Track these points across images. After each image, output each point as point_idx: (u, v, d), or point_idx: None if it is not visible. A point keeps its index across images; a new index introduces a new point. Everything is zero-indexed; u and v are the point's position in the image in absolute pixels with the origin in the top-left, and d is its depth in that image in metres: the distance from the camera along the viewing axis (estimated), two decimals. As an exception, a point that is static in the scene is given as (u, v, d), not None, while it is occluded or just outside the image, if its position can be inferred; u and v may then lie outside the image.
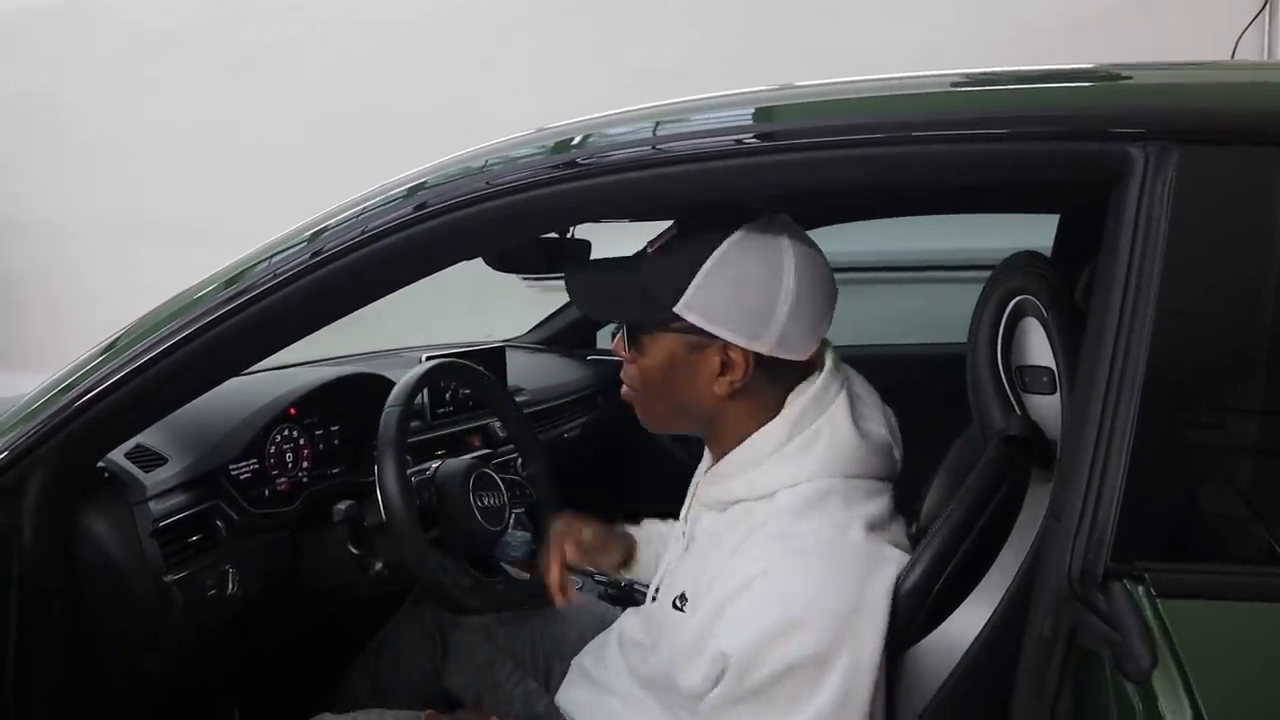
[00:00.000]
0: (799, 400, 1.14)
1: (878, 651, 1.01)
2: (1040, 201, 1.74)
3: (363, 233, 1.10)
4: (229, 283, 1.16)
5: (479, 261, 1.71)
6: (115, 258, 4.05)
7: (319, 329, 1.22)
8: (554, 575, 1.39)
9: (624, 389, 1.22)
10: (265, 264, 1.15)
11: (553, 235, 1.80)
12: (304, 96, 3.88)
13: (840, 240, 2.85)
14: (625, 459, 2.61)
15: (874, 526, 1.10)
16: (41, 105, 4.36)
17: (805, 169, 0.97)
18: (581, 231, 1.81)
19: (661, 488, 2.52)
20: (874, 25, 3.00)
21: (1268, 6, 2.15)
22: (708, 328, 1.11)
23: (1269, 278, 0.83)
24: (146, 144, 4.10)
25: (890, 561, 1.07)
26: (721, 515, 1.16)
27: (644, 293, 1.13)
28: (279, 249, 1.16)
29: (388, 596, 1.67)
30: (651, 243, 1.18)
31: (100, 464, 1.34)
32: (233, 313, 1.14)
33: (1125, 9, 2.62)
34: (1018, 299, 1.12)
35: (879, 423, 1.19)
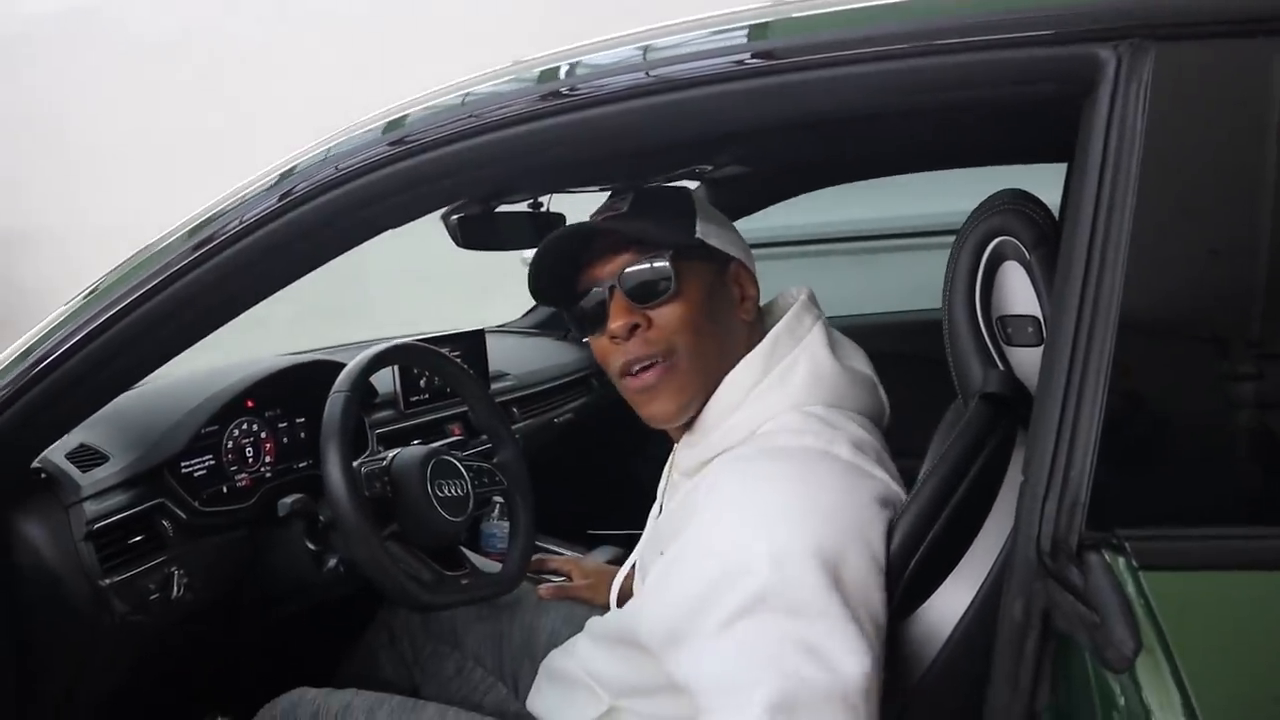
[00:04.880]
0: (772, 332, 1.09)
1: (865, 579, 0.90)
2: (1048, 148, 1.61)
3: (335, 171, 0.99)
4: (193, 231, 1.06)
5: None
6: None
7: (292, 280, 1.11)
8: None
9: (646, 376, 1.07)
10: (231, 210, 1.05)
11: (525, 210, 1.71)
12: (306, 93, 3.83)
13: (845, 207, 2.76)
14: (623, 441, 2.51)
15: (864, 451, 1.00)
16: (45, 118, 4.36)
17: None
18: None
19: (659, 470, 2.43)
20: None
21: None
22: (725, 249, 1.12)
23: (1263, 195, 0.70)
24: (145, 151, 4.08)
25: (882, 484, 0.98)
26: (695, 479, 1.08)
27: (663, 228, 1.09)
28: (245, 194, 1.06)
29: (365, 596, 1.58)
30: (610, 208, 1.14)
31: (36, 464, 1.27)
32: (198, 262, 1.04)
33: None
34: (997, 240, 1.00)
35: (862, 362, 1.14)
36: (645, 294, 1.07)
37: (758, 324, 1.14)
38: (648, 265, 1.07)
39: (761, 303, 1.19)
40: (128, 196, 4.15)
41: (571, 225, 1.13)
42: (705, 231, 1.11)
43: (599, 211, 1.16)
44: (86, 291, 1.16)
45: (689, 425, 1.10)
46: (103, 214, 4.21)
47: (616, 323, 1.06)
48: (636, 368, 1.08)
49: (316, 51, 3.81)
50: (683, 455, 1.12)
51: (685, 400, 1.07)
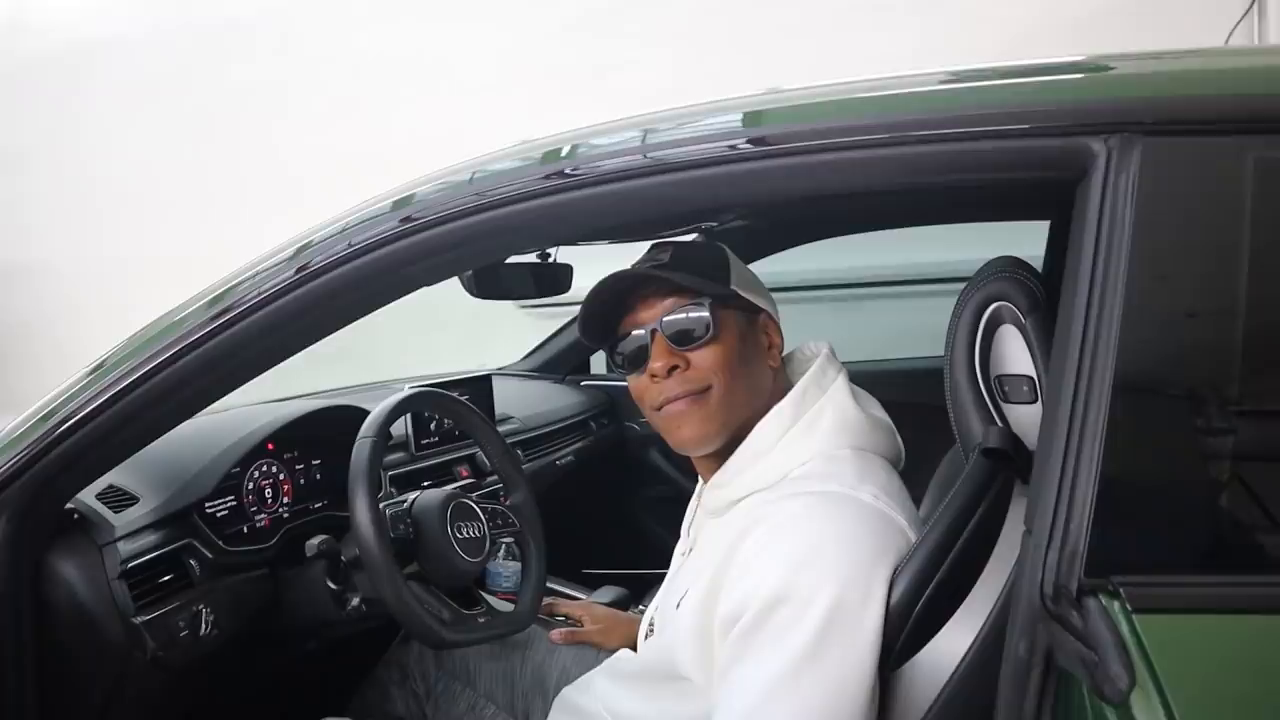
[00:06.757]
0: (800, 383, 1.17)
1: (876, 623, 0.98)
2: (1031, 207, 1.71)
3: (349, 246, 1.06)
4: (213, 302, 1.13)
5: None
6: (115, 302, 4.07)
7: (308, 345, 1.19)
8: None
9: (677, 405, 1.15)
10: (249, 282, 1.12)
11: (534, 260, 1.79)
12: (301, 134, 3.89)
13: (842, 255, 2.84)
14: (621, 483, 2.58)
15: (888, 494, 1.08)
16: (44, 152, 4.39)
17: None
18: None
19: (658, 510, 2.50)
20: (865, 38, 2.98)
21: (1256, 4, 2.12)
22: (756, 301, 1.21)
23: (1239, 272, 0.78)
24: (144, 188, 4.12)
25: (899, 532, 1.05)
26: (725, 518, 1.15)
27: (703, 278, 1.17)
28: (262, 267, 1.13)
29: (376, 632, 1.63)
30: (653, 258, 1.21)
31: (70, 505, 1.31)
32: (217, 331, 1.11)
33: (1113, 12, 2.59)
34: (995, 305, 1.08)
35: (879, 410, 1.22)
36: (685, 338, 1.15)
37: (781, 372, 1.22)
38: (689, 311, 1.15)
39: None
40: (125, 232, 4.19)
41: (618, 273, 1.20)
42: (738, 283, 1.20)
43: (642, 260, 1.23)
44: (95, 364, 1.22)
45: (718, 464, 1.17)
46: (100, 249, 4.25)
47: (657, 363, 1.14)
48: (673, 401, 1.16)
49: (318, 93, 3.87)
50: (710, 496, 1.20)
51: (712, 430, 1.15)
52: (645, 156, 0.99)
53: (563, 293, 1.81)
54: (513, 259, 1.71)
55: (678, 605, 1.13)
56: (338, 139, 3.78)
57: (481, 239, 1.05)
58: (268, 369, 1.20)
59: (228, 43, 4.07)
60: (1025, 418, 1.04)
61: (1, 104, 4.47)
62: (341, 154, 3.74)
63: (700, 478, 1.25)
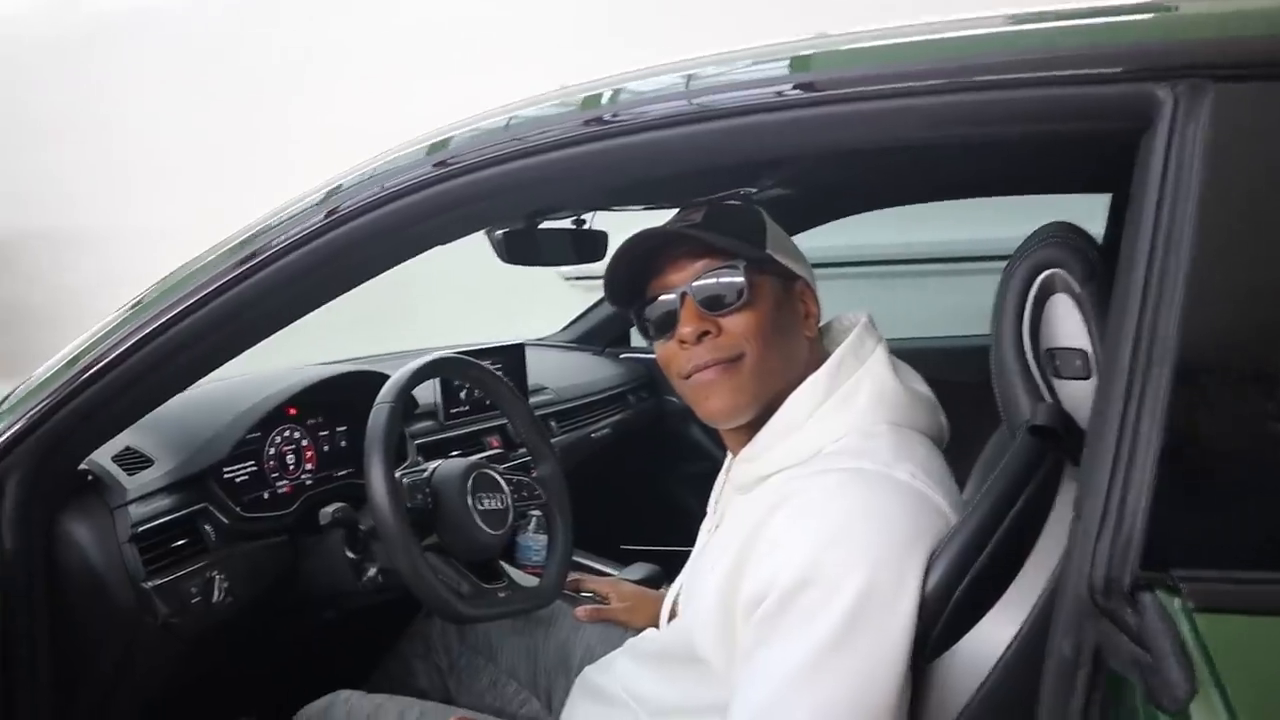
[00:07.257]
0: (836, 353, 1.10)
1: (910, 610, 0.90)
2: (1092, 178, 1.61)
3: (381, 190, 1.01)
4: (239, 247, 1.09)
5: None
6: (159, 273, 4.09)
7: (335, 296, 1.13)
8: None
9: (706, 373, 1.08)
10: (276, 227, 1.07)
11: (569, 226, 1.73)
12: (340, 105, 3.87)
13: (898, 230, 2.74)
14: (660, 458, 2.52)
15: (927, 473, 1.01)
16: (92, 120, 4.42)
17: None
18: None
19: (697, 487, 2.43)
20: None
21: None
22: (792, 267, 1.14)
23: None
24: (189, 156, 4.13)
25: (938, 514, 0.97)
26: (753, 494, 1.08)
27: (738, 240, 1.10)
28: (290, 211, 1.08)
29: (398, 604, 1.60)
30: (685, 218, 1.15)
31: (84, 466, 1.29)
32: (242, 278, 1.06)
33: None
34: (1047, 273, 1.00)
35: (921, 384, 1.14)
36: (716, 303, 1.08)
37: (817, 342, 1.15)
38: (722, 275, 1.08)
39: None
40: (171, 200, 4.21)
41: (648, 230, 1.13)
42: (774, 247, 1.13)
43: (673, 220, 1.17)
44: (132, 303, 1.18)
45: (748, 438, 1.10)
46: (146, 217, 4.27)
47: (687, 328, 1.07)
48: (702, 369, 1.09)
49: (362, 62, 3.86)
50: (739, 470, 1.13)
51: (744, 400, 1.08)
52: (690, 102, 0.93)
53: (597, 260, 1.75)
54: (545, 224, 1.65)
55: (700, 584, 1.07)
56: (387, 111, 3.75)
57: (518, 187, 0.99)
58: (296, 318, 1.15)
59: (272, 13, 4.06)
60: (1078, 394, 0.96)
61: (49, 73, 4.51)
62: (389, 126, 3.71)
63: (729, 451, 1.18)
